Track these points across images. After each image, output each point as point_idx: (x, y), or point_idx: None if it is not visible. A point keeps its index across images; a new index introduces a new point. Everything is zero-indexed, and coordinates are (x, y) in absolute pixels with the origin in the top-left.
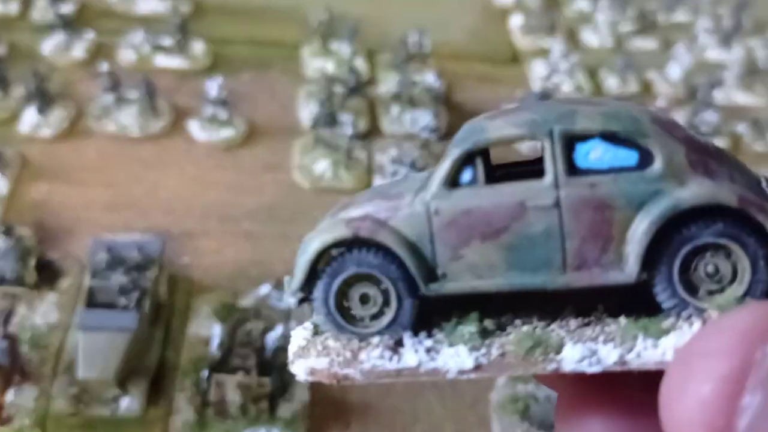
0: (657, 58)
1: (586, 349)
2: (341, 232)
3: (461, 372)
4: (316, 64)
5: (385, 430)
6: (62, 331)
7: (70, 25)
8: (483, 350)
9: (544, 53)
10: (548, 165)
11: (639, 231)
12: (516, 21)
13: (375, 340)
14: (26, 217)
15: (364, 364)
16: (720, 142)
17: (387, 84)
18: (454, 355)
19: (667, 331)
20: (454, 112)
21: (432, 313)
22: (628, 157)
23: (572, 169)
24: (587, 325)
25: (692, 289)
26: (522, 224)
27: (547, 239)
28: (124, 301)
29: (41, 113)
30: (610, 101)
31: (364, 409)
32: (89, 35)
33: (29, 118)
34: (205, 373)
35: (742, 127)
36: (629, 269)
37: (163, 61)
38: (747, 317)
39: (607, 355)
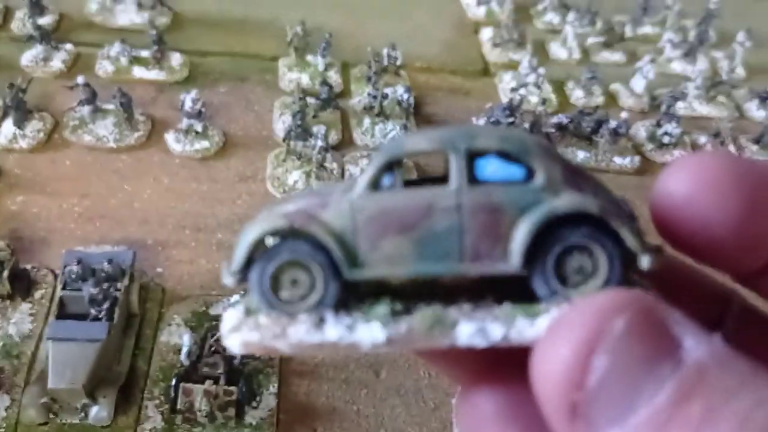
0: (623, 70)
1: (476, 327)
2: (278, 222)
3: (374, 345)
4: (291, 76)
5: None
6: (35, 341)
7: (49, 37)
8: (393, 326)
9: (513, 66)
10: (453, 175)
11: (521, 231)
12: (487, 34)
13: (302, 317)
14: (1, 228)
15: (291, 338)
16: (681, 153)
17: (359, 96)
18: (368, 331)
19: (541, 313)
20: (423, 124)
21: (350, 299)
22: (516, 172)
23: (472, 180)
24: (477, 309)
25: (563, 281)
26: (429, 222)
27: (448, 235)
28: (94, 312)
29: (18, 126)
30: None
31: (330, 414)
32: (67, 47)
33: (6, 129)
34: (173, 381)
35: (704, 139)
36: (513, 261)
37: (140, 72)
38: (602, 298)
39: (493, 332)
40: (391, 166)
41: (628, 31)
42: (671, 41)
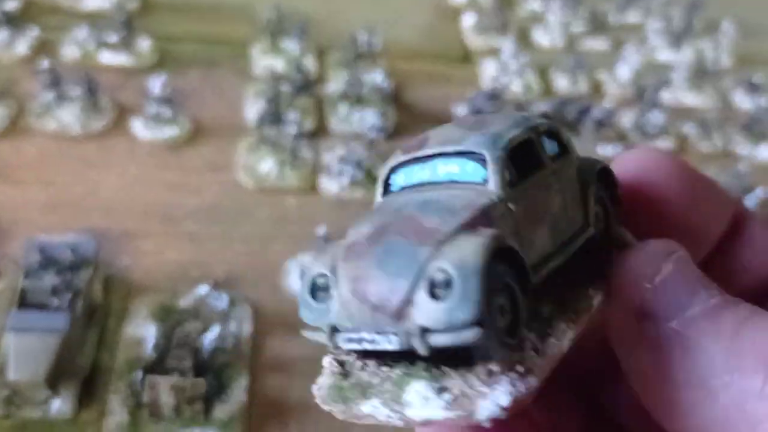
0: (607, 58)
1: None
2: (492, 244)
3: (570, 343)
4: (265, 62)
5: (322, 431)
6: None
7: (14, 21)
8: (569, 321)
9: (495, 53)
10: (543, 156)
11: (588, 193)
12: (468, 20)
13: (527, 343)
14: None
15: (549, 354)
16: (666, 143)
17: (336, 83)
18: (562, 332)
19: None
20: (402, 112)
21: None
22: (556, 147)
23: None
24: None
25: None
26: (551, 204)
27: (563, 212)
28: (56, 302)
29: None
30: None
31: (302, 410)
32: (33, 32)
33: None
34: (139, 374)
35: (688, 128)
36: (591, 223)
37: (108, 58)
38: (663, 241)
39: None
40: (506, 158)
41: (612, 19)
42: (656, 30)
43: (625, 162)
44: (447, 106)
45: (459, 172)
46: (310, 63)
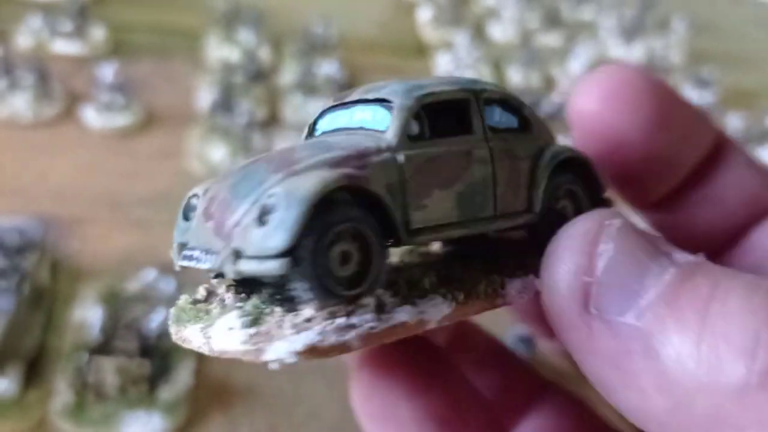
0: (560, 54)
1: (519, 283)
2: (334, 178)
3: (443, 318)
4: (219, 52)
5: (268, 413)
6: None
7: None
8: (450, 296)
9: (450, 46)
10: (476, 122)
11: (539, 177)
12: (424, 14)
13: (366, 300)
14: None
15: (360, 328)
16: None
17: (289, 73)
18: (433, 305)
19: None
20: None
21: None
22: (514, 121)
23: (489, 127)
24: (501, 261)
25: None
26: (468, 173)
27: (485, 188)
28: (2, 285)
29: None
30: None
31: (247, 392)
32: None
33: None
34: (85, 356)
35: None
36: (535, 209)
37: (61, 46)
38: (595, 211)
39: (533, 282)
40: (418, 111)
41: (566, 15)
42: (609, 26)
43: (590, 81)
44: None
45: (370, 119)
46: (265, 54)
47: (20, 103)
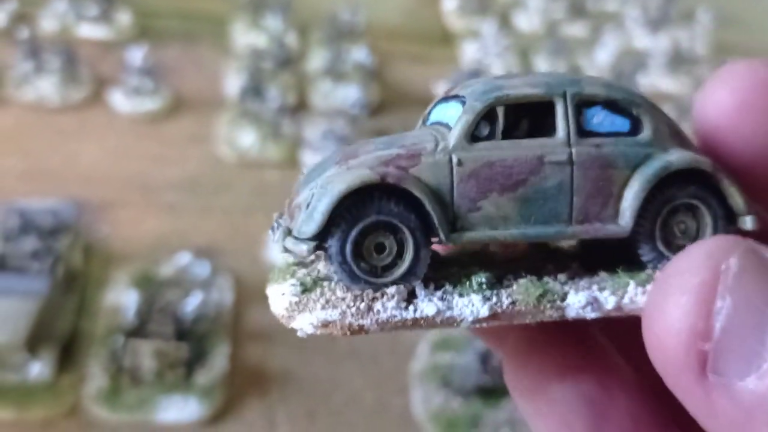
0: (586, 44)
1: (588, 296)
2: (368, 176)
3: (476, 320)
4: (246, 38)
5: (304, 399)
6: None
7: None
8: (494, 299)
9: (475, 35)
10: (560, 124)
11: (635, 189)
12: (449, 2)
13: (390, 290)
14: None
15: (380, 315)
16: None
17: (318, 59)
18: (468, 304)
19: (652, 279)
20: (384, 90)
21: (433, 267)
22: (623, 123)
23: (579, 130)
24: (573, 278)
25: (667, 243)
26: (538, 178)
27: (558, 193)
28: (36, 266)
29: None
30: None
31: (283, 377)
32: (11, 5)
33: None
34: (120, 339)
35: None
36: (625, 222)
37: (87, 31)
38: (709, 242)
39: (606, 301)
40: (491, 112)
41: (591, 6)
42: (634, 17)
43: (718, 85)
44: (428, 85)
45: (452, 115)
46: (292, 40)
47: (47, 87)
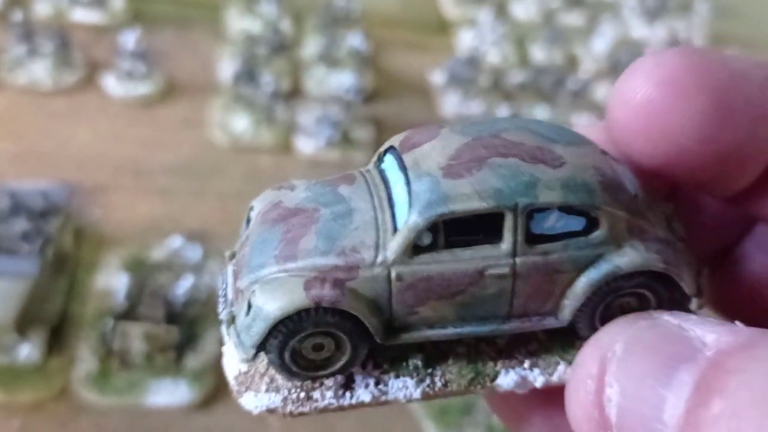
0: (583, 33)
1: (517, 376)
2: (301, 302)
3: (409, 401)
4: (240, 23)
5: None
6: None
7: None
8: (428, 381)
9: (472, 23)
10: (507, 235)
11: (578, 290)
12: None
13: (328, 381)
14: None
15: (318, 403)
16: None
17: (312, 45)
18: (402, 388)
19: None
20: (379, 76)
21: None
22: (576, 223)
23: (528, 237)
24: (511, 342)
25: (605, 321)
26: (477, 288)
27: (497, 298)
28: (26, 248)
29: None
30: (568, 154)
31: None
32: None
33: None
34: (110, 322)
35: None
36: (563, 317)
37: (80, 15)
38: (600, 332)
39: (535, 380)
40: (435, 224)
41: None
42: (631, 7)
43: (640, 67)
44: (423, 73)
45: (397, 192)
46: (286, 26)
47: (40, 70)
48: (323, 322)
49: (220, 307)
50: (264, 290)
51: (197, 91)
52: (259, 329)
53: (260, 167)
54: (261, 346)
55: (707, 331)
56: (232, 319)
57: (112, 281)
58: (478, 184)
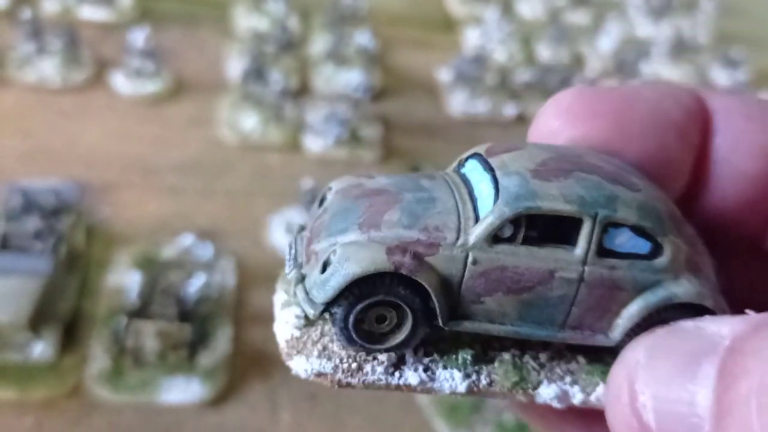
0: (589, 31)
1: (558, 389)
2: (383, 264)
3: (453, 394)
4: (248, 21)
5: (306, 382)
6: None
7: None
8: (474, 377)
9: (478, 21)
10: (582, 242)
11: (633, 311)
12: None
13: (382, 356)
14: None
15: (367, 377)
16: None
17: (320, 43)
18: (449, 378)
19: None
20: (387, 74)
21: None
22: (644, 246)
23: (599, 249)
24: (553, 359)
25: None
26: (544, 288)
27: (559, 303)
28: (39, 246)
29: None
30: (642, 185)
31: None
32: None
33: None
34: (122, 320)
35: None
36: (614, 336)
37: (88, 12)
38: (625, 350)
39: (574, 396)
40: (518, 218)
41: None
42: (636, 6)
43: (547, 104)
44: (430, 71)
45: (481, 190)
46: (293, 24)
47: (49, 68)
48: (394, 293)
49: (287, 269)
50: (346, 250)
51: (205, 90)
52: (335, 284)
53: (269, 165)
54: (330, 304)
55: (722, 325)
56: (301, 278)
57: (124, 279)
58: (564, 189)
